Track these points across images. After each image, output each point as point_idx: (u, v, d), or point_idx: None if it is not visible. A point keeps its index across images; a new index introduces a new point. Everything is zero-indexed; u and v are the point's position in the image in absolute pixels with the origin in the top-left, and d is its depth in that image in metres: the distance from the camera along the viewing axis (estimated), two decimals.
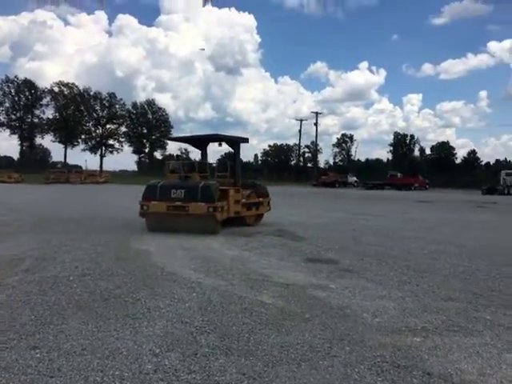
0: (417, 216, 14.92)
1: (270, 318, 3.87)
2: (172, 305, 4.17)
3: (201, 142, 11.48)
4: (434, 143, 78.90)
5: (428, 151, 77.53)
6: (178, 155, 12.61)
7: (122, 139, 70.85)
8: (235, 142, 10.91)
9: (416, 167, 61.66)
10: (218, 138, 10.88)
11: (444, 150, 75.02)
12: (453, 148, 76.30)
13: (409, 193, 37.92)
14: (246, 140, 11.36)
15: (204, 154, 11.37)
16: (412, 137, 77.78)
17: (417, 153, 78.12)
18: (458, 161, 74.84)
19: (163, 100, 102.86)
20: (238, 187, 10.24)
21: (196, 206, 8.74)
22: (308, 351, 3.13)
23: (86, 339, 3.25)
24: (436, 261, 6.73)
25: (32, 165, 61.63)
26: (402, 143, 77.04)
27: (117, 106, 69.99)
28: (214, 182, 9.65)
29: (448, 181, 52.75)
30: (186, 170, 10.27)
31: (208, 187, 8.97)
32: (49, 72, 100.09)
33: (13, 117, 64.78)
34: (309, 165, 76.82)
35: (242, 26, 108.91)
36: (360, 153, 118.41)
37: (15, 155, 73.34)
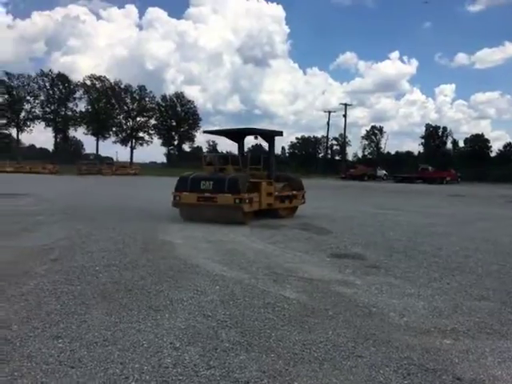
0: (448, 211, 14.44)
1: (293, 313, 3.78)
2: (194, 297, 4.15)
3: (237, 135, 11.67)
4: (468, 136, 76.33)
5: (461, 144, 75.07)
6: (215, 149, 13.05)
7: (152, 132, 71.89)
8: (270, 136, 11.17)
9: (448, 160, 59.84)
10: (254, 132, 11.21)
11: (478, 142, 72.37)
12: (488, 140, 73.56)
13: (440, 187, 36.81)
14: (280, 133, 11.52)
15: (241, 147, 11.70)
16: (445, 129, 75.49)
17: (449, 145, 75.78)
18: (493, 154, 72.10)
19: (192, 93, 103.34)
20: (271, 180, 10.46)
21: (223, 197, 9.10)
22: (331, 350, 3.03)
23: (108, 330, 3.26)
24: (468, 258, 6.46)
25: (66, 156, 63.51)
26: (434, 136, 74.86)
27: (147, 99, 70.97)
28: (244, 174, 9.93)
29: (482, 174, 50.92)
30: (221, 163, 10.71)
31: (235, 179, 9.27)
32: (81, 66, 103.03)
33: (47, 110, 66.72)
34: (337, 157, 75.83)
35: (271, 16, 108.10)
36: (390, 145, 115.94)
37: (50, 147, 75.79)
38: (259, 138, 11.30)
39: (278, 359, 2.86)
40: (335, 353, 2.99)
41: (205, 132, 15.74)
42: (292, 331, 3.37)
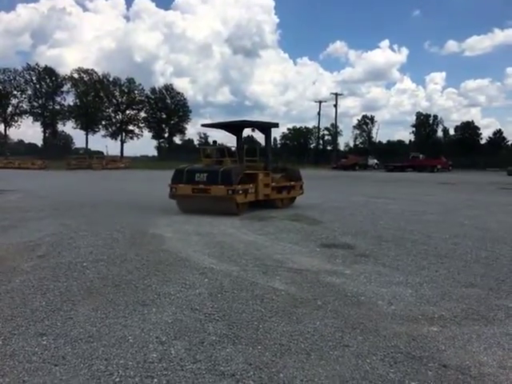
0: (438, 198, 14.52)
1: (281, 305, 3.77)
2: (182, 291, 4.12)
3: (235, 128, 11.74)
4: (458, 123, 76.64)
5: (452, 132, 75.43)
6: (214, 141, 13.00)
7: (142, 125, 71.19)
8: (266, 128, 11.34)
9: (439, 148, 60.18)
10: (251, 124, 11.58)
11: (468, 130, 72.76)
12: (478, 128, 73.95)
13: (431, 175, 37.04)
14: (276, 125, 11.85)
15: (239, 140, 11.79)
16: (435, 117, 75.65)
17: (440, 133, 76.09)
18: (483, 141, 72.61)
19: (181, 84, 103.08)
20: (268, 171, 10.64)
21: (217, 188, 9.32)
22: (318, 340, 3.03)
23: (93, 326, 3.22)
24: (457, 245, 6.50)
25: (55, 151, 62.77)
26: (424, 124, 75.06)
27: (136, 92, 70.10)
28: (238, 166, 10.16)
29: (472, 162, 51.31)
30: (219, 155, 10.82)
31: (228, 171, 9.46)
32: (68, 59, 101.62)
33: (35, 104, 65.66)
34: (328, 147, 75.85)
35: (260, 6, 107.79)
36: (381, 134, 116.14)
37: (39, 142, 74.89)
38: (256, 130, 11.47)
39: (264, 351, 2.85)
40: (322, 343, 2.99)
41: (203, 125, 16.01)
42: (280, 322, 3.36)
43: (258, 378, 2.49)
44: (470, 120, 75.55)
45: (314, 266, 5.18)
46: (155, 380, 2.45)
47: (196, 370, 2.58)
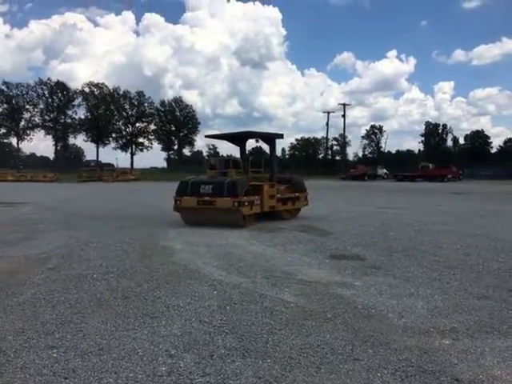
0: (449, 208, 14.38)
1: (291, 317, 3.75)
2: (192, 303, 4.12)
3: (238, 138, 11.70)
4: (468, 132, 76.39)
5: (462, 141, 75.00)
6: (216, 152, 13.07)
7: (152, 137, 71.99)
8: (271, 139, 11.23)
9: (449, 158, 59.73)
10: (255, 135, 11.35)
11: (478, 139, 72.34)
12: (488, 137, 73.62)
13: (441, 184, 36.73)
14: (281, 136, 11.59)
15: (242, 151, 11.73)
16: (444, 126, 75.57)
17: (450, 143, 75.72)
18: (494, 150, 71.96)
19: (190, 97, 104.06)
20: (273, 182, 10.46)
21: (222, 200, 9.15)
22: (328, 353, 3.00)
23: (103, 339, 3.23)
24: (468, 256, 6.41)
25: (66, 164, 63.66)
26: (434, 133, 74.87)
27: (145, 105, 71.14)
28: (243, 177, 9.93)
29: (483, 171, 50.77)
30: (223, 167, 10.69)
31: (233, 183, 9.29)
32: (79, 73, 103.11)
33: (47, 118, 66.93)
34: (337, 158, 75.75)
35: (267, 19, 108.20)
36: (390, 144, 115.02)
37: (50, 155, 75.96)
38: (260, 141, 11.31)
39: (274, 364, 2.83)
40: (332, 356, 2.96)
41: (206, 137, 15.67)
42: (289, 335, 3.33)
43: None
44: (480, 129, 75.18)
45: (324, 277, 5.15)
46: None
47: (206, 383, 2.57)
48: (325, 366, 2.81)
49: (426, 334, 3.38)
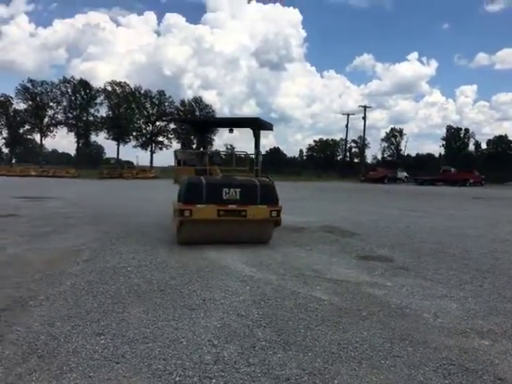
0: (474, 213, 14.17)
1: (326, 314, 3.80)
2: (226, 297, 4.21)
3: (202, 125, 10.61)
4: (491, 137, 74.82)
5: (484, 145, 73.56)
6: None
7: (171, 136, 72.69)
8: (252, 126, 8.80)
9: (471, 162, 58.70)
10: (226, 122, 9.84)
11: (501, 144, 70.80)
12: (511, 142, 71.75)
13: (463, 189, 36.12)
14: (270, 126, 9.36)
15: (203, 140, 10.47)
16: (466, 130, 74.08)
17: (471, 147, 74.31)
18: None
19: (209, 97, 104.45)
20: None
21: (256, 209, 6.86)
22: (368, 350, 3.04)
23: (146, 328, 3.34)
24: (499, 260, 6.35)
25: (87, 161, 64.81)
26: (455, 137, 73.55)
27: (166, 104, 71.86)
28: (263, 177, 8.14)
29: (506, 176, 49.74)
30: (204, 162, 8.74)
31: (269, 186, 7.17)
32: (100, 72, 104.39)
33: (69, 115, 68.17)
34: (355, 160, 75.17)
35: (287, 20, 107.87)
36: (409, 147, 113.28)
37: (72, 152, 77.40)
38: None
39: (315, 358, 2.89)
40: (372, 353, 3.00)
41: (176, 120, 13.71)
42: (326, 331, 3.38)
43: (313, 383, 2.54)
44: (503, 134, 73.53)
45: (354, 277, 5.18)
46: (213, 381, 2.53)
47: (251, 372, 2.65)
48: (366, 362, 2.85)
49: (463, 334, 3.39)
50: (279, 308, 3.93)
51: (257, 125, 8.73)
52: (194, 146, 75.06)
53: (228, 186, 6.89)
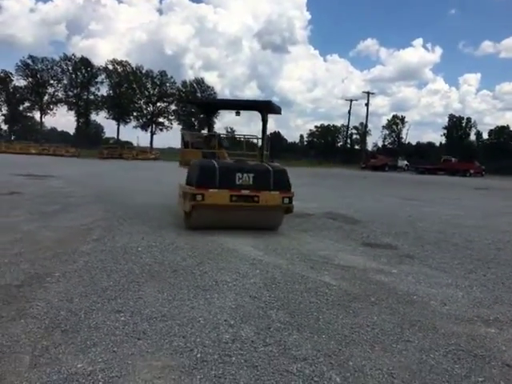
0: (476, 203, 14.28)
1: (336, 298, 3.90)
2: (238, 279, 4.30)
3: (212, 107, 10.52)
4: (493, 127, 74.57)
5: (485, 136, 73.41)
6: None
7: (172, 117, 72.25)
8: (260, 109, 8.46)
9: (472, 152, 58.70)
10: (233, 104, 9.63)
11: (503, 134, 70.64)
12: None
13: (464, 179, 36.22)
14: (278, 110, 9.03)
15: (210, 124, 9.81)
16: (468, 120, 73.79)
17: (473, 137, 74.18)
18: None
19: (210, 78, 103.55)
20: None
21: (268, 195, 6.78)
22: (379, 334, 3.14)
23: (163, 306, 3.44)
24: (501, 251, 6.46)
25: (87, 140, 64.47)
26: (457, 126, 73.30)
27: (167, 85, 71.19)
28: (275, 163, 8.10)
29: (507, 167, 49.80)
30: (211, 145, 8.64)
31: (282, 171, 7.06)
32: (100, 50, 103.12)
33: (70, 93, 67.57)
34: (356, 147, 75.02)
35: (292, 2, 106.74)
36: (410, 136, 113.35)
37: (71, 130, 77.03)
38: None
39: (329, 340, 2.99)
40: (384, 336, 3.10)
41: (181, 101, 13.62)
42: (338, 315, 3.48)
43: (329, 364, 2.64)
44: (506, 124, 73.31)
45: (360, 263, 5.28)
46: (233, 358, 2.63)
47: (269, 352, 2.74)
48: (378, 345, 2.95)
49: (470, 322, 3.49)
50: (290, 292, 4.03)
51: (268, 109, 8.49)
52: (196, 128, 74.91)
53: (241, 171, 6.77)
